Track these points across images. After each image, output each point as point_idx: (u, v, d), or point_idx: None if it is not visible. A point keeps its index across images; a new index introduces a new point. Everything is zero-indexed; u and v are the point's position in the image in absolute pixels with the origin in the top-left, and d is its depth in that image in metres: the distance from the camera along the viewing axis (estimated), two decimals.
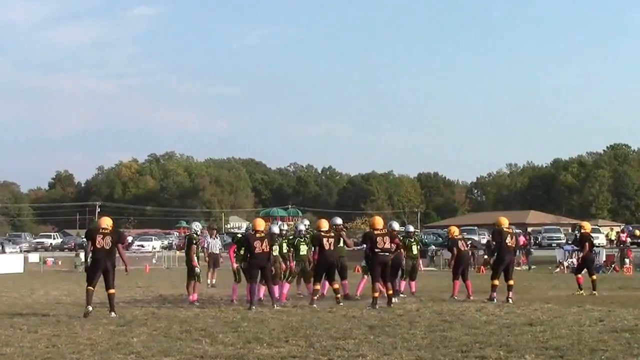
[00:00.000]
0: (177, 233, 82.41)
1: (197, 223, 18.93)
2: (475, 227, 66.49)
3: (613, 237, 58.72)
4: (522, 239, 34.42)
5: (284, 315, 13.84)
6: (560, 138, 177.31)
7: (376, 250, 15.40)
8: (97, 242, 14.13)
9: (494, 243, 17.54)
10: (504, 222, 17.10)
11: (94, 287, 14.14)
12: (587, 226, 19.95)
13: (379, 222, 15.94)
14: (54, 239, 77.95)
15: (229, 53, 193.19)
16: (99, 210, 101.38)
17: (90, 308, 13.87)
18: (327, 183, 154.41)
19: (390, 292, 15.75)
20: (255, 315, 13.78)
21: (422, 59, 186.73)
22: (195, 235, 17.61)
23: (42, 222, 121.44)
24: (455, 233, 18.68)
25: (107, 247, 14.13)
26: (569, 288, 19.18)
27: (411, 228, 19.98)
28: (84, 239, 15.43)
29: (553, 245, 51.86)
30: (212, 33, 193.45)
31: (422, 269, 23.75)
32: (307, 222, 19.59)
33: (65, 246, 70.59)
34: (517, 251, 29.13)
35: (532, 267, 35.55)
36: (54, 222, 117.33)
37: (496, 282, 16.53)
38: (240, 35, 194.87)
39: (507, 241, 16.64)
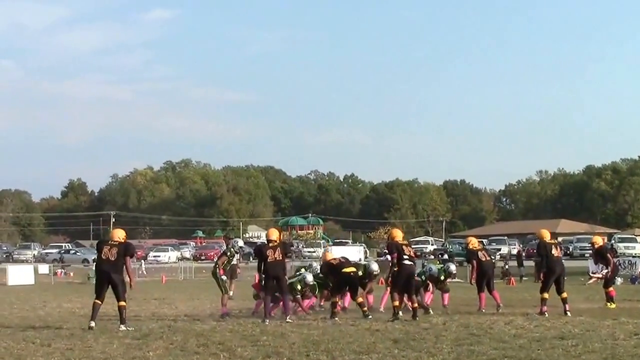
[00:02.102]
0: (193, 243, 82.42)
1: (239, 240, 19.20)
2: (505, 237, 65.35)
3: None
4: None
5: (305, 328, 13.55)
6: (592, 144, 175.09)
7: (404, 258, 15.24)
8: (103, 253, 14.00)
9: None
10: (546, 234, 16.95)
11: (101, 301, 13.98)
12: (598, 240, 19.91)
13: (398, 233, 15.99)
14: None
15: (246, 58, 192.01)
16: (114, 220, 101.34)
17: (93, 324, 13.64)
18: (350, 191, 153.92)
19: (416, 305, 15.41)
20: (275, 329, 13.52)
21: (448, 64, 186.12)
22: (232, 250, 17.65)
23: (54, 232, 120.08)
24: (474, 244, 18.28)
25: (112, 259, 13.89)
26: (602, 300, 18.93)
27: (453, 268, 18.84)
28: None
29: (586, 255, 50.83)
30: (228, 38, 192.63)
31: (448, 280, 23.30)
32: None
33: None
34: None
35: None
36: (66, 232, 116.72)
37: (545, 295, 16.17)
38: (257, 40, 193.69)
39: (553, 252, 16.46)
